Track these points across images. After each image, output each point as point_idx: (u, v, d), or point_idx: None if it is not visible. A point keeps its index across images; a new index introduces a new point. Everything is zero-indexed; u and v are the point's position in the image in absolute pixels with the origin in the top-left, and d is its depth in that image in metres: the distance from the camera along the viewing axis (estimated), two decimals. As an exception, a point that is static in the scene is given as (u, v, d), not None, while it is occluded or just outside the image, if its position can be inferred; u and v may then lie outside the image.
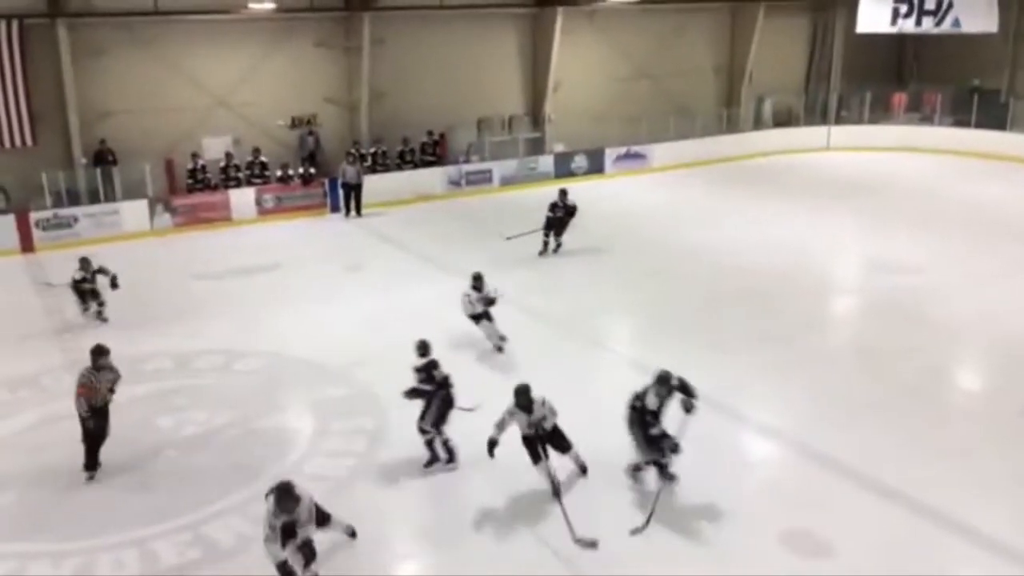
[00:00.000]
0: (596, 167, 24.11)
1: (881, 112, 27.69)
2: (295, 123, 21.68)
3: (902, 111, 27.74)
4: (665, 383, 8.08)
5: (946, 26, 24.37)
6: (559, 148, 24.17)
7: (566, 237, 16.62)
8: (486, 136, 23.55)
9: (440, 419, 8.88)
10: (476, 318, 11.78)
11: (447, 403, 8.88)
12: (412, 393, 8.93)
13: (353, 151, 20.76)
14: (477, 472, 8.78)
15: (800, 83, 29.16)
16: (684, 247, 17.10)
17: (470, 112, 23.52)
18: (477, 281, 11.71)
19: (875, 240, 17.46)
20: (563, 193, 16.50)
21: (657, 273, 15.66)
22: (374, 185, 20.46)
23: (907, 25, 24.95)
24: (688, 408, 8.02)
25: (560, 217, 16.36)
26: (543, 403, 8.09)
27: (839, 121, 27.66)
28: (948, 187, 21.99)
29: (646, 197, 21.81)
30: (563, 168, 23.64)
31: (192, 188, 19.84)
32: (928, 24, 24.60)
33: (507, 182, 22.88)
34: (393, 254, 17.36)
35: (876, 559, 7.45)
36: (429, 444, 8.98)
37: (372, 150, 21.69)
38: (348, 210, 20.16)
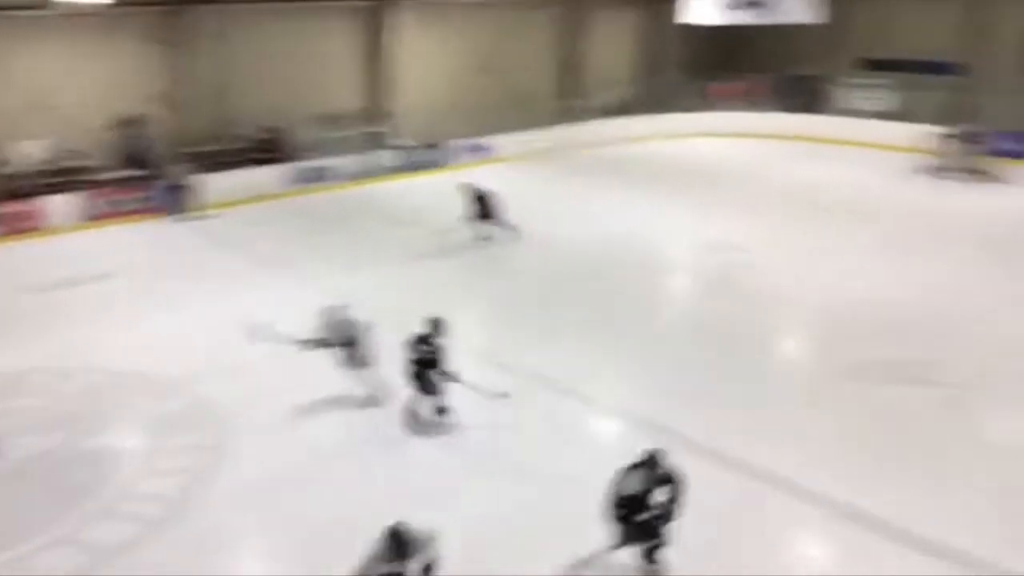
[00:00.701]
0: (441, 160, 24.06)
1: (711, 100, 29.00)
2: (122, 123, 20.47)
3: (730, 98, 29.11)
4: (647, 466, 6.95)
5: (770, 16, 25.73)
6: (403, 142, 23.99)
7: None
8: (327, 132, 23.08)
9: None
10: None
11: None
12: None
13: (186, 151, 19.75)
14: (324, 485, 8.66)
15: (634, 73, 30.09)
16: (529, 237, 17.33)
17: (310, 107, 22.96)
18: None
19: (710, 223, 18.27)
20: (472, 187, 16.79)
21: (503, 265, 15.84)
22: (210, 185, 19.59)
23: (733, 16, 26.17)
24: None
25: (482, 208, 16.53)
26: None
27: (672, 109, 28.72)
28: (775, 169, 23.36)
29: (493, 188, 21.93)
30: (407, 162, 23.48)
31: (8, 196, 18.43)
32: (754, 14, 25.88)
33: (351, 178, 22.47)
34: (231, 258, 16.71)
35: (710, 525, 7.81)
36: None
37: (207, 149, 20.74)
38: (181, 213, 19.17)
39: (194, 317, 13.47)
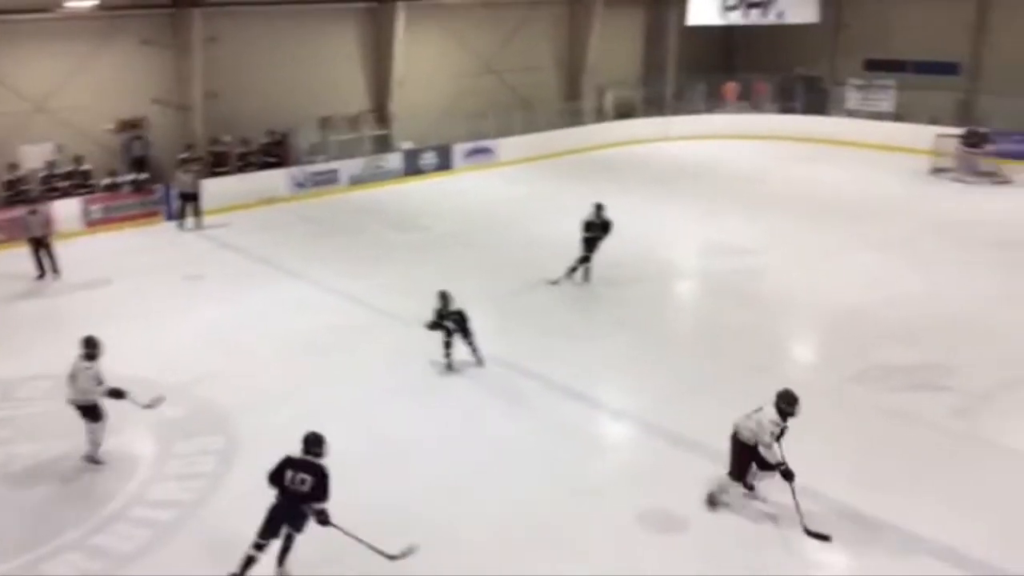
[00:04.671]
0: (444, 163, 23.96)
1: (714, 101, 28.96)
2: (122, 127, 20.33)
3: (734, 100, 29.04)
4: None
5: (771, 17, 25.78)
6: (407, 145, 23.88)
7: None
8: (331, 135, 22.99)
9: None
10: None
11: None
12: None
13: (186, 156, 19.43)
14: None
15: (638, 75, 30.01)
16: (533, 239, 17.24)
17: (312, 110, 22.84)
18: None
19: (714, 224, 18.16)
20: (599, 208, 14.30)
21: (511, 266, 15.71)
22: (214, 189, 19.44)
23: (735, 17, 26.22)
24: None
25: (596, 236, 14.26)
26: None
27: (676, 111, 28.64)
28: (778, 170, 23.22)
29: (495, 192, 21.90)
30: (412, 165, 23.39)
31: (11, 201, 18.32)
32: (754, 15, 25.95)
33: (355, 181, 22.39)
34: (235, 261, 16.58)
35: (725, 530, 7.76)
36: None
37: (212, 151, 20.53)
38: (183, 221, 18.86)
39: (196, 320, 13.37)
